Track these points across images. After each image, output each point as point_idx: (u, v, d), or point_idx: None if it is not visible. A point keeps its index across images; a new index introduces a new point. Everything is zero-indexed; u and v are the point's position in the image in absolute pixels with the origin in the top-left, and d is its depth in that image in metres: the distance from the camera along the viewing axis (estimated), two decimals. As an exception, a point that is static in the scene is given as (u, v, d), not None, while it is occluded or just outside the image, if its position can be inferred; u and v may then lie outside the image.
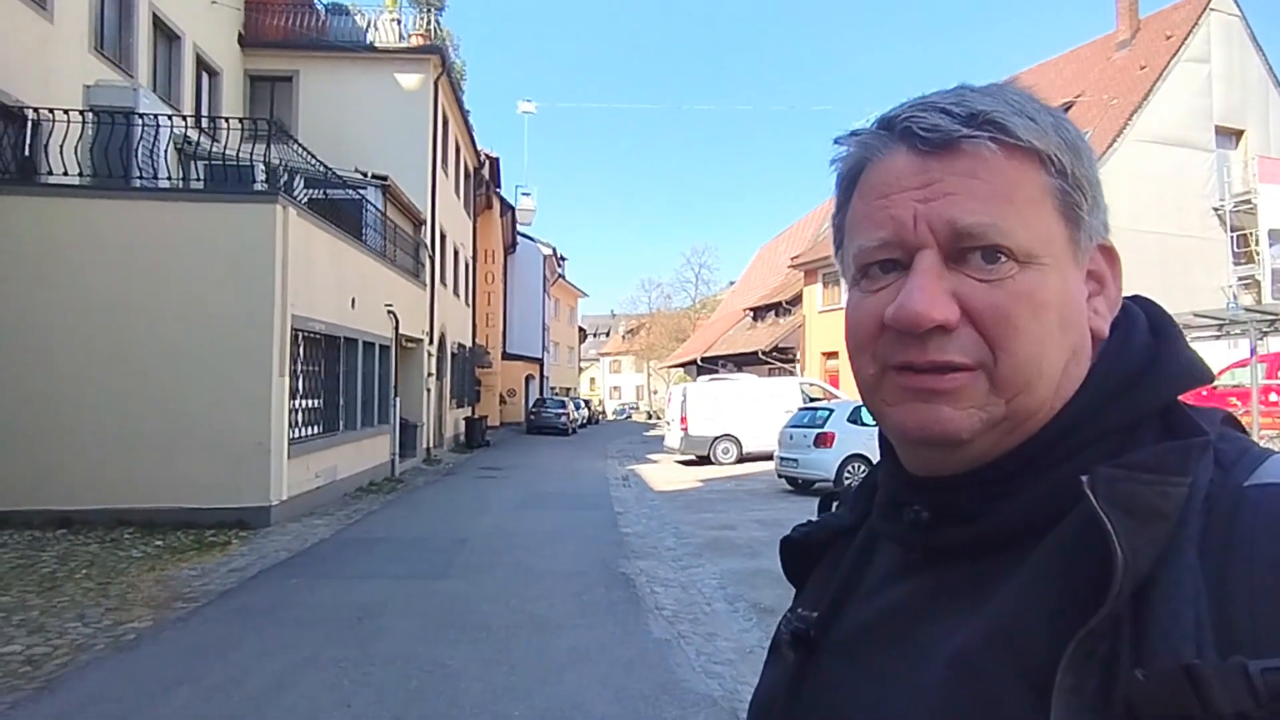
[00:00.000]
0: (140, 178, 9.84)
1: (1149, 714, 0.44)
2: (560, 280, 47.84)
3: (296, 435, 10.35)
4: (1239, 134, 21.20)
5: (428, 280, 18.87)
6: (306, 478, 10.61)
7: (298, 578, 7.18)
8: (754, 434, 18.68)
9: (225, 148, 10.45)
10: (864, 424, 12.62)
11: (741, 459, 19.07)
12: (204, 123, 13.52)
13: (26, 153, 9.80)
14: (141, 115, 10.16)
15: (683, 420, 19.65)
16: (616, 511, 11.61)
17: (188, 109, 14.53)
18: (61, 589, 6.53)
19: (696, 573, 7.72)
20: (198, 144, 11.99)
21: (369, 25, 19.45)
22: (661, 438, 24.21)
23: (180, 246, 9.34)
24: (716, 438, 19.26)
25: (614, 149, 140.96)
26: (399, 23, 19.47)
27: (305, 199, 11.35)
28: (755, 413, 18.86)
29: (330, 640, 5.38)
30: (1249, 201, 20.04)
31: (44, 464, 8.91)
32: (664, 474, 17.66)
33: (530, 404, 35.21)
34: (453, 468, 18.13)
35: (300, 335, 10.39)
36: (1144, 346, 0.60)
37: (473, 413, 26.16)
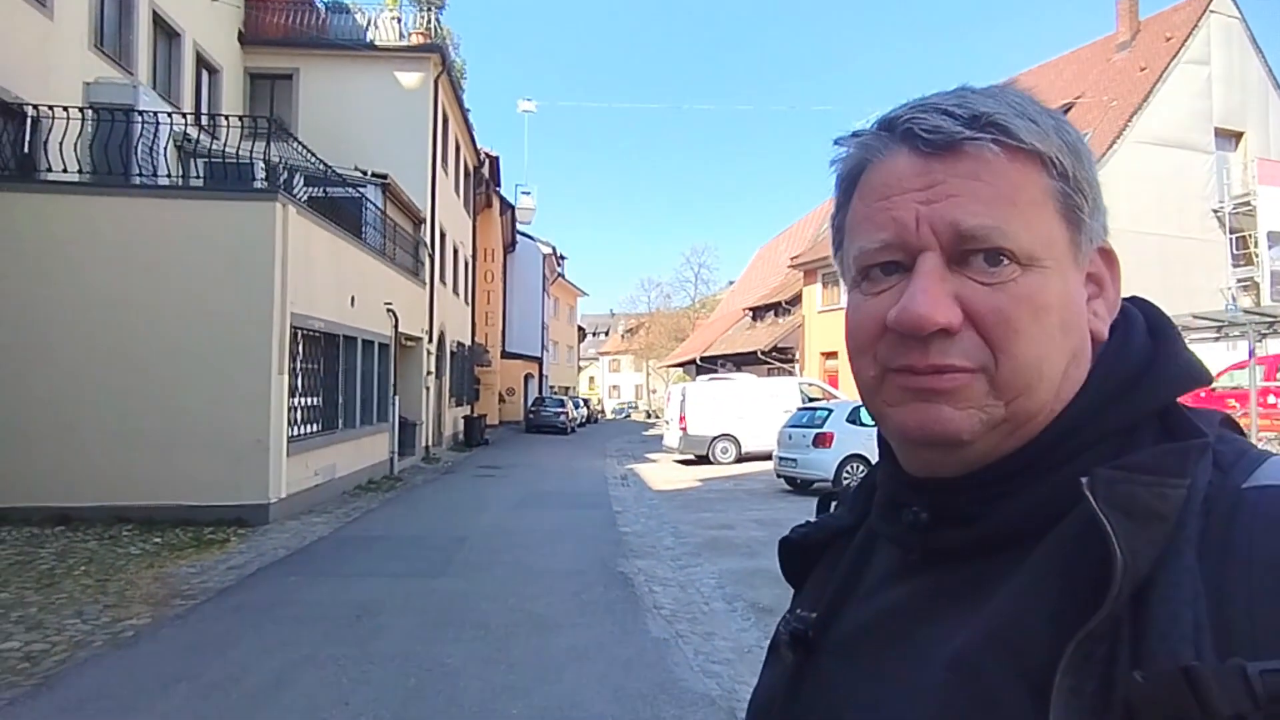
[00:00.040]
0: (140, 175, 9.83)
1: (1147, 715, 0.44)
2: (560, 279, 47.85)
3: (295, 433, 10.34)
4: (1239, 136, 21.21)
5: (427, 279, 18.86)
6: (305, 475, 10.61)
7: (296, 575, 7.18)
8: (753, 434, 18.68)
9: (225, 145, 10.44)
10: (863, 424, 12.62)
11: (740, 459, 19.07)
12: (204, 120, 13.50)
13: (26, 150, 9.79)
14: (141, 112, 10.15)
15: (681, 420, 19.65)
16: (615, 511, 11.61)
17: (188, 106, 14.51)
18: (60, 586, 6.53)
19: (695, 572, 7.73)
20: (197, 141, 11.98)
21: (369, 23, 19.44)
22: (660, 437, 24.23)
23: (180, 244, 9.34)
24: (715, 437, 19.27)
25: (614, 148, 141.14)
26: (399, 21, 19.45)
27: (305, 197, 11.34)
28: (754, 412, 18.86)
29: (329, 638, 5.38)
30: (1248, 203, 20.05)
31: (43, 461, 8.91)
32: (663, 473, 17.66)
33: (529, 403, 35.21)
34: (451, 466, 18.13)
35: (299, 333, 10.39)
36: (1142, 348, 0.60)
37: (472, 411, 26.15)
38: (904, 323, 0.55)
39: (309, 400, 11.05)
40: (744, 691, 4.39)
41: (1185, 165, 20.15)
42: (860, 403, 0.71)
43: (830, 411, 13.98)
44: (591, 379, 76.31)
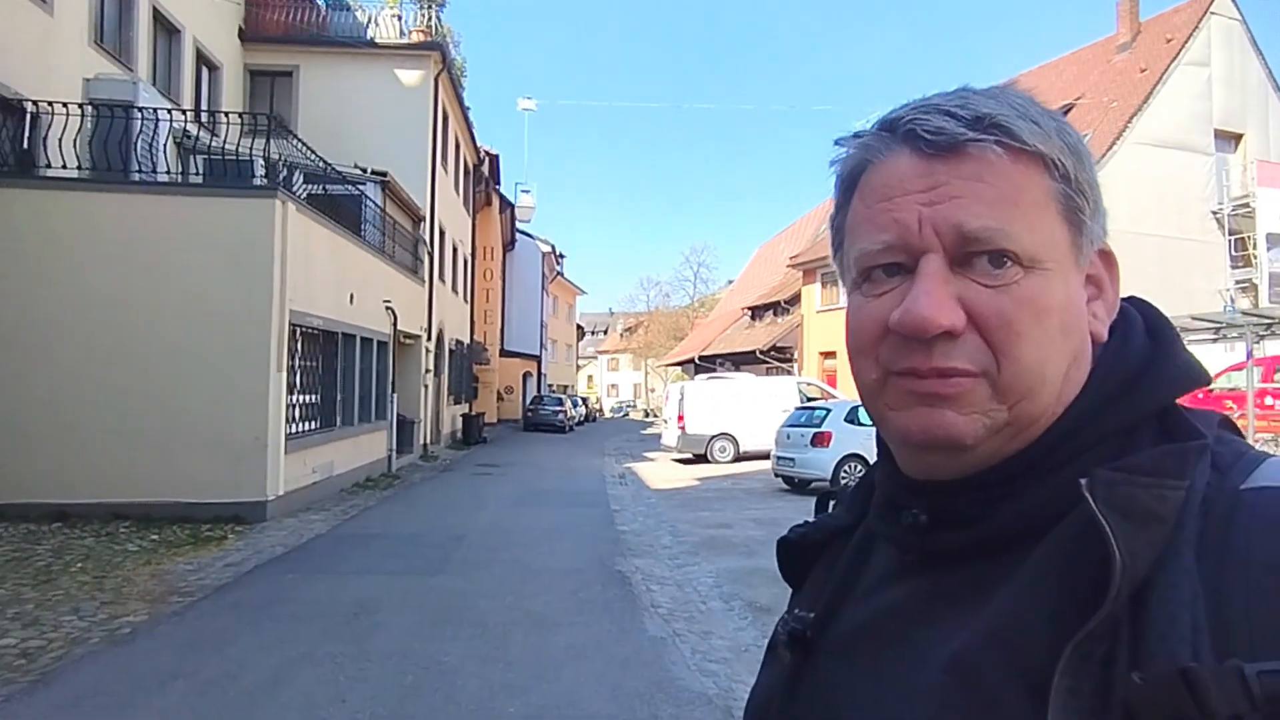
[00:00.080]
0: (139, 171, 9.81)
1: (1146, 716, 0.44)
2: (559, 278, 47.80)
3: (294, 431, 10.33)
4: (1238, 138, 21.23)
5: (426, 277, 18.86)
6: (303, 473, 10.60)
7: (294, 573, 7.18)
8: (751, 433, 18.70)
9: (225, 142, 10.41)
10: (861, 424, 12.63)
11: (738, 458, 19.09)
12: (203, 117, 13.50)
13: (25, 145, 9.78)
14: (141, 109, 10.14)
15: (680, 419, 19.67)
16: (613, 509, 11.62)
17: (187, 103, 14.49)
18: (56, 582, 6.52)
19: (692, 571, 7.74)
20: (197, 138, 11.97)
21: (369, 21, 19.41)
22: (659, 436, 24.23)
23: (179, 241, 9.33)
24: (714, 436, 19.29)
25: (614, 147, 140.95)
26: (400, 19, 19.43)
27: (304, 194, 11.33)
28: (752, 412, 18.88)
29: (326, 635, 5.38)
30: (1247, 205, 20.05)
31: (40, 457, 8.89)
32: (661, 472, 17.67)
33: (528, 401, 35.21)
34: (450, 464, 18.13)
35: (298, 330, 10.38)
36: (1141, 350, 0.60)
37: (470, 409, 26.15)
38: (907, 325, 0.55)
39: (307, 398, 11.04)
40: (741, 690, 4.40)
41: (1185, 167, 20.16)
42: (858, 402, 0.71)
43: (828, 411, 13.99)
44: (590, 378, 76.28)
